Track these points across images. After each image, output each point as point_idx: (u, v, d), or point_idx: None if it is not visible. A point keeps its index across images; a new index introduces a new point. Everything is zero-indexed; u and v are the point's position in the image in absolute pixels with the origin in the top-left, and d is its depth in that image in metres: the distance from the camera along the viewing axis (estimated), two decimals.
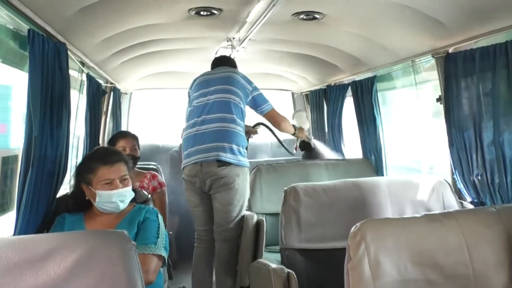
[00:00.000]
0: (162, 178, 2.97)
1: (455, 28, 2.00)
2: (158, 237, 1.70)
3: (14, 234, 1.65)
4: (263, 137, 2.91)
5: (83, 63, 2.52)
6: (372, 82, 3.09)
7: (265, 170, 2.90)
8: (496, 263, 1.37)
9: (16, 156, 2.23)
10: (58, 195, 1.89)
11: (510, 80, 1.88)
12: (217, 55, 3.21)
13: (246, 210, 2.71)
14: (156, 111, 5.66)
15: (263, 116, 2.81)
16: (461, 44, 2.12)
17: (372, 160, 3.18)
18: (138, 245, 1.39)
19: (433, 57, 2.31)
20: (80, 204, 1.79)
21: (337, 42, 2.81)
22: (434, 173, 3.17)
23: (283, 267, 1.97)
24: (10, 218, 1.94)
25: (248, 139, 2.83)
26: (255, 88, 2.73)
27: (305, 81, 4.13)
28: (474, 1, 1.75)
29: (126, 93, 4.24)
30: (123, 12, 2.13)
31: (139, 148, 2.81)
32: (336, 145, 3.72)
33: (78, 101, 2.62)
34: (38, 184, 1.71)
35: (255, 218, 2.60)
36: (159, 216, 1.79)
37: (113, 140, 2.76)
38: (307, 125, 3.31)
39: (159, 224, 1.75)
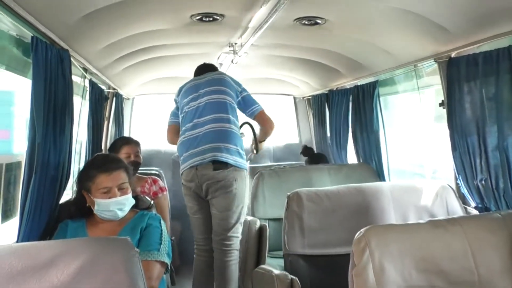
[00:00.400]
0: (163, 183, 2.95)
1: (457, 32, 2.00)
2: (161, 243, 1.69)
3: (17, 241, 1.65)
4: (266, 142, 2.87)
5: (85, 69, 2.52)
6: (374, 87, 3.09)
7: (267, 175, 2.89)
8: (501, 269, 1.36)
9: (19, 163, 2.23)
10: (60, 201, 1.89)
11: None
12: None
13: (249, 215, 2.68)
14: (158, 116, 5.66)
15: (253, 118, 2.64)
16: (463, 49, 2.11)
17: (374, 164, 3.18)
18: (141, 252, 1.39)
19: (435, 61, 2.30)
20: (82, 210, 1.78)
21: (339, 47, 2.81)
22: (437, 177, 3.16)
23: (286, 273, 1.96)
24: (13, 224, 1.94)
25: None
26: (244, 89, 2.65)
27: (307, 85, 4.14)
28: (476, 6, 1.75)
29: (128, 99, 4.25)
30: (125, 19, 2.14)
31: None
32: (339, 151, 3.70)
33: (80, 107, 2.61)
34: (41, 191, 1.70)
35: (258, 223, 2.57)
36: (162, 222, 1.78)
37: (116, 147, 2.73)
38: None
39: (162, 230, 1.74)
